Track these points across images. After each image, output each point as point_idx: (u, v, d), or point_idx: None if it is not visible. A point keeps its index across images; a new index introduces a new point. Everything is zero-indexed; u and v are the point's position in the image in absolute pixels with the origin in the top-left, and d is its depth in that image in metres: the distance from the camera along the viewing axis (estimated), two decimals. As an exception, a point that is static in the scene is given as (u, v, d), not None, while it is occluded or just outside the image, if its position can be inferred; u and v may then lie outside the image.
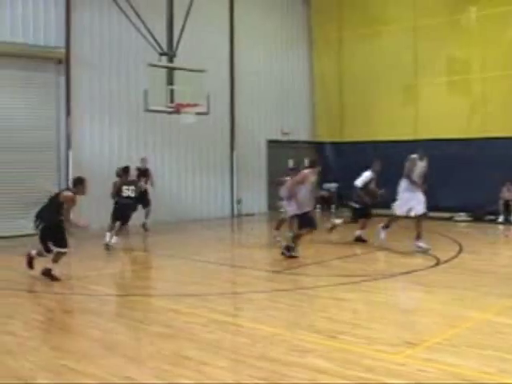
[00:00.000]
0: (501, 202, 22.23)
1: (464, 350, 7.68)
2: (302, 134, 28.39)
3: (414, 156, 15.67)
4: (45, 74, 19.72)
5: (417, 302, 10.80)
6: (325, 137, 28.37)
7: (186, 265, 14.63)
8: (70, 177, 19.83)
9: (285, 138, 27.25)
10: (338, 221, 18.15)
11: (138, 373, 6.93)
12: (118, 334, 8.62)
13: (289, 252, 14.67)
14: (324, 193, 22.02)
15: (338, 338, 8.23)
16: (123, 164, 20.84)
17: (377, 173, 17.34)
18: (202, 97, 18.55)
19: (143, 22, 18.89)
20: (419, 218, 15.47)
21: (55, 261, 12.22)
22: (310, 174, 14.73)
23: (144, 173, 20.14)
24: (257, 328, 8.77)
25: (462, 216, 23.03)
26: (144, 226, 19.94)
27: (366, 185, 17.21)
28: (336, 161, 27.88)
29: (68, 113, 20.16)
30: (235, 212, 25.60)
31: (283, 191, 16.35)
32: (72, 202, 12.22)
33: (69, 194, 12.38)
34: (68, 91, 20.17)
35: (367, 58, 26.47)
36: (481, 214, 22.70)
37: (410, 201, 15.40)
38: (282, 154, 27.23)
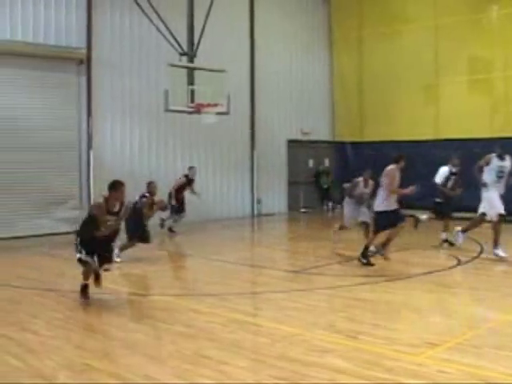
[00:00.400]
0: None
1: (485, 351, 7.65)
2: (322, 134, 28.35)
3: (491, 154, 14.81)
4: (66, 75, 19.81)
5: (437, 303, 10.76)
6: (345, 136, 28.34)
7: (206, 264, 14.68)
8: (91, 177, 20.01)
9: (305, 138, 27.23)
10: (423, 216, 17.12)
11: (159, 372, 6.96)
12: (138, 333, 8.65)
13: (365, 258, 13.73)
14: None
15: (357, 339, 8.22)
16: (144, 163, 21.12)
17: (455, 167, 16.79)
18: (222, 97, 18.60)
19: (164, 23, 18.97)
20: (495, 223, 14.77)
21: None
22: (396, 170, 13.65)
23: (190, 182, 20.12)
24: (276, 328, 8.78)
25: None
26: (170, 228, 19.91)
27: (446, 180, 16.64)
28: (356, 160, 27.83)
29: (89, 113, 20.27)
30: (255, 212, 25.63)
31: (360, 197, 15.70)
32: (98, 211, 10.41)
33: (96, 202, 10.86)
34: (89, 91, 20.28)
35: (387, 57, 26.37)
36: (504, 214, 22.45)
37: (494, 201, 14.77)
38: (302, 154, 27.26)
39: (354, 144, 27.96)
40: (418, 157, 24.50)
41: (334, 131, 28.97)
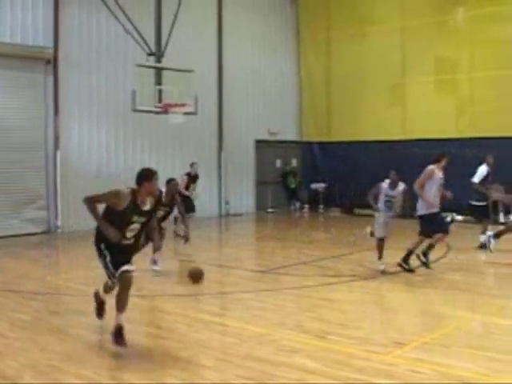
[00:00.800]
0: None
1: (453, 350, 7.71)
2: (290, 134, 28.40)
3: None
4: (33, 75, 19.57)
5: (405, 302, 10.82)
6: (312, 136, 28.40)
7: (173, 265, 14.62)
8: (58, 177, 19.83)
9: (272, 138, 27.26)
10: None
11: (127, 372, 6.93)
12: (105, 334, 8.58)
13: (406, 264, 12.93)
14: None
15: (326, 338, 8.24)
16: (111, 164, 20.99)
17: (491, 167, 16.38)
18: (190, 97, 18.56)
19: (131, 23, 18.87)
20: None
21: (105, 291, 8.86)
22: (436, 169, 12.97)
23: (194, 179, 19.45)
24: (244, 328, 8.77)
25: (452, 216, 22.91)
26: (178, 234, 18.27)
27: (483, 180, 16.20)
28: (324, 161, 27.93)
29: (56, 113, 20.04)
30: (223, 212, 25.59)
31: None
32: (114, 198, 7.89)
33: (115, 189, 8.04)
34: (56, 91, 20.06)
35: (355, 57, 26.48)
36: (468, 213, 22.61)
37: None
38: (269, 154, 27.29)
39: (321, 144, 28.04)
40: (386, 157, 24.65)
41: (301, 131, 29.03)
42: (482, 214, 16.55)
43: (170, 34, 19.30)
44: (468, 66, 23.66)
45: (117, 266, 7.88)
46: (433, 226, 12.84)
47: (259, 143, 26.95)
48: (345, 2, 27.04)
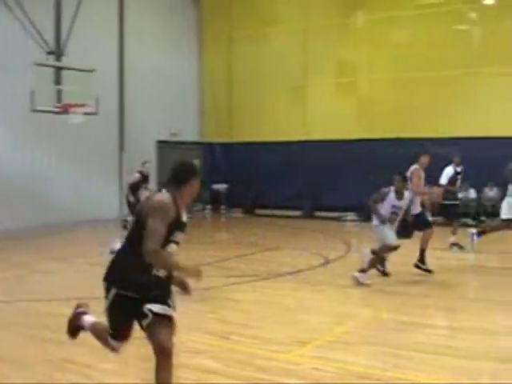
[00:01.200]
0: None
1: (356, 347, 7.85)
2: (191, 135, 28.37)
3: None
4: None
5: (306, 301, 10.89)
6: (214, 137, 28.41)
7: (72, 268, 14.34)
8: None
9: (174, 139, 27.14)
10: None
11: (27, 378, 6.80)
12: (2, 341, 8.38)
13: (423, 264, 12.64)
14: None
15: (229, 339, 8.25)
16: (9, 166, 20.43)
17: (459, 166, 16.18)
18: (90, 97, 18.34)
19: (30, 20, 18.48)
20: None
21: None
22: (419, 170, 12.64)
23: (146, 178, 18.24)
24: (146, 330, 8.68)
25: (351, 216, 23.32)
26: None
27: (454, 181, 16.05)
28: (225, 161, 27.98)
29: (-50, 112, 19.50)
30: (123, 213, 25.27)
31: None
32: (170, 215, 5.63)
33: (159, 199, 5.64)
34: (-50, 90, 19.52)
35: (257, 58, 26.67)
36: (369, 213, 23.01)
37: None
38: (171, 155, 27.12)
39: (223, 145, 28.08)
40: (288, 157, 24.89)
41: (202, 132, 29.02)
42: (454, 214, 16.61)
43: (70, 33, 19.01)
44: (367, 68, 24.17)
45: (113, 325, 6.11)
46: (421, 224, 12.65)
47: (161, 144, 26.79)
48: (246, 3, 27.22)
